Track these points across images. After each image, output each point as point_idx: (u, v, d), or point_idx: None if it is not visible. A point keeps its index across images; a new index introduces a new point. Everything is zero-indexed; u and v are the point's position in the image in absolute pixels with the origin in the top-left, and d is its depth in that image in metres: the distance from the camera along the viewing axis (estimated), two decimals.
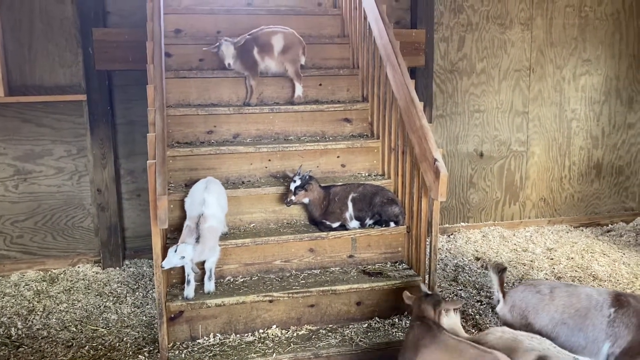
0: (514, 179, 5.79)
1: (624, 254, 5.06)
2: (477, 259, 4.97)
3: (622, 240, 5.47)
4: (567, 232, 5.72)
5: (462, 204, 5.69)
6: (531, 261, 4.90)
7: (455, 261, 4.90)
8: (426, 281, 3.58)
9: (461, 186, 5.66)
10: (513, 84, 5.62)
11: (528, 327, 2.82)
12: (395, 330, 3.41)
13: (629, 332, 2.65)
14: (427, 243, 3.61)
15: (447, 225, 5.64)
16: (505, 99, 5.63)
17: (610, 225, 5.95)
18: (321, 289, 3.43)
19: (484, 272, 4.63)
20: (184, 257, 3.07)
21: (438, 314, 2.84)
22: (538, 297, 2.86)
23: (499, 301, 3.00)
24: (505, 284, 3.03)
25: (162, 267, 3.02)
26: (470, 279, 4.51)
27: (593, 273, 4.61)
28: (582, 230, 5.79)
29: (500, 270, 2.98)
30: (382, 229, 3.79)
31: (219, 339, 3.28)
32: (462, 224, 5.70)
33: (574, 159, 5.89)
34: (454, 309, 2.91)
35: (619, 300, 2.74)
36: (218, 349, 3.18)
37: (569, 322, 2.76)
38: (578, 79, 5.76)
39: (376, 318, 3.52)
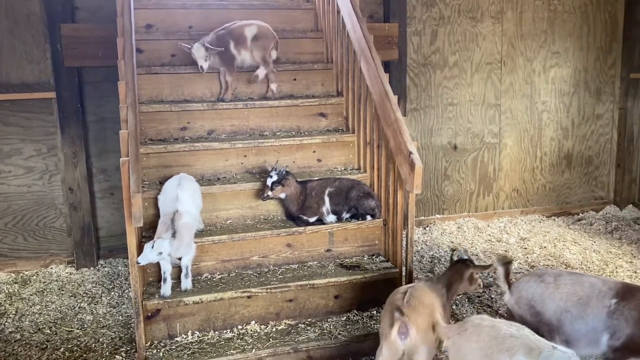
0: (487, 171, 5.87)
1: (594, 242, 5.19)
2: (453, 250, 5.02)
3: (593, 228, 5.60)
4: (540, 222, 5.84)
5: (437, 196, 5.75)
6: (505, 251, 4.98)
7: (432, 253, 4.95)
8: (403, 273, 3.62)
9: (436, 179, 5.72)
10: (485, 76, 5.69)
11: (538, 317, 2.82)
12: (374, 322, 3.44)
13: (628, 326, 2.61)
14: (404, 235, 3.64)
15: (423, 217, 5.69)
16: (477, 91, 5.70)
17: (580, 214, 6.09)
18: (299, 283, 3.43)
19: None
20: (161, 253, 3.04)
21: (468, 277, 3.06)
22: (543, 286, 2.85)
23: (504, 293, 2.99)
24: (510, 276, 3.01)
25: (138, 263, 2.98)
26: None
27: (565, 261, 4.71)
28: (554, 220, 5.91)
29: (506, 262, 2.99)
30: (359, 222, 3.81)
31: (197, 336, 3.26)
32: (438, 216, 5.77)
33: (545, 150, 6.00)
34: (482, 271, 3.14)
35: (624, 292, 2.68)
36: (196, 346, 3.16)
37: (572, 310, 2.74)
38: (548, 71, 5.87)
39: (354, 311, 3.54)
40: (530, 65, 5.79)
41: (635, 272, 4.43)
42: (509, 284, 2.97)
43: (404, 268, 3.63)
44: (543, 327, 2.80)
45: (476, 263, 3.19)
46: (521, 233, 5.48)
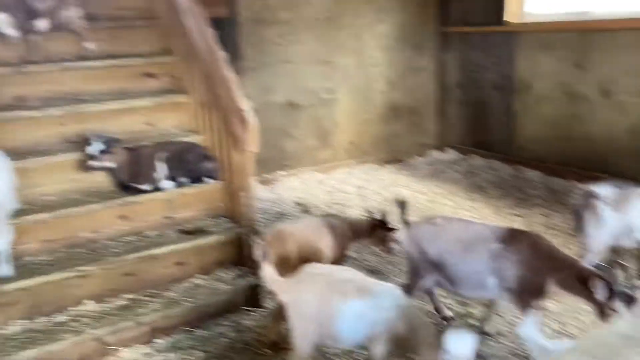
0: (324, 126, 6.06)
1: (422, 184, 5.67)
2: (298, 204, 5.17)
3: (420, 172, 6.12)
4: (375, 171, 6.21)
5: (278, 154, 5.81)
6: (346, 200, 5.24)
7: (277, 209, 5.03)
8: (247, 232, 3.62)
9: (276, 136, 5.76)
10: (317, 33, 5.79)
11: (423, 255, 2.93)
12: (222, 284, 3.41)
13: (514, 268, 2.66)
14: (245, 195, 3.62)
15: (267, 175, 5.72)
16: (310, 48, 5.79)
17: (409, 160, 6.58)
18: (138, 255, 3.27)
19: (304, 216, 4.84)
20: None
21: (378, 236, 3.39)
22: (432, 228, 2.96)
23: (400, 231, 3.14)
24: (406, 217, 3.14)
25: None
26: None
27: None
28: (387, 167, 6.33)
29: (402, 203, 3.13)
30: (198, 185, 3.71)
31: (24, 325, 2.96)
32: (281, 172, 5.84)
33: (376, 103, 6.35)
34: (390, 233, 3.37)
35: (508, 237, 2.77)
36: (24, 335, 2.87)
37: (455, 252, 2.82)
38: (374, 27, 6.14)
39: (200, 275, 3.47)
40: (357, 22, 6.01)
41: (456, 209, 4.95)
42: (405, 224, 3.11)
43: (248, 227, 3.63)
44: (426, 265, 2.94)
45: (390, 226, 3.42)
46: (359, 182, 5.79)
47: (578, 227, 3.38)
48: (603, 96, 5.14)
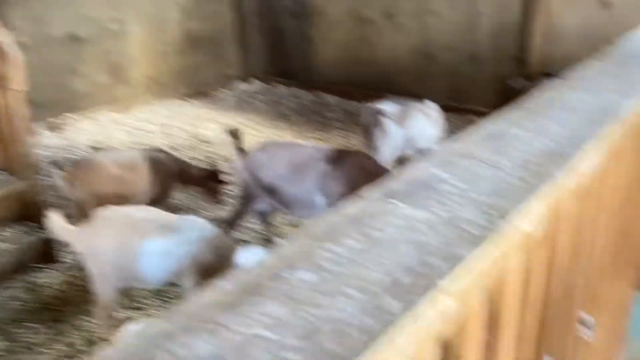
0: (117, 61, 5.55)
1: (227, 117, 5.59)
2: (94, 148, 4.74)
3: (226, 104, 6.03)
4: (179, 107, 5.93)
5: (65, 94, 5.19)
6: (149, 140, 4.95)
7: (68, 155, 4.56)
8: (29, 184, 3.22)
9: (59, 75, 5.12)
10: None
11: (258, 182, 2.91)
12: (4, 243, 3.03)
13: (338, 186, 2.75)
14: (22, 142, 3.17)
15: (53, 119, 5.11)
16: None
17: (214, 93, 6.40)
18: None
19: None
20: None
21: (208, 187, 3.39)
22: (264, 154, 2.95)
23: (236, 161, 3.06)
24: (240, 145, 3.08)
25: None
26: None
27: (205, 139, 4.97)
28: (191, 102, 6.09)
29: (234, 132, 3.06)
30: None
31: None
32: (70, 114, 5.25)
33: (173, 34, 5.96)
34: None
35: (336, 157, 2.83)
36: None
37: (288, 175, 2.85)
38: None
39: None
40: None
41: (263, 138, 4.99)
42: (241, 154, 3.04)
43: (29, 180, 3.22)
44: (261, 191, 2.94)
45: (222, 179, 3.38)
46: (162, 119, 5.50)
47: (368, 143, 3.67)
48: (386, 19, 5.51)
